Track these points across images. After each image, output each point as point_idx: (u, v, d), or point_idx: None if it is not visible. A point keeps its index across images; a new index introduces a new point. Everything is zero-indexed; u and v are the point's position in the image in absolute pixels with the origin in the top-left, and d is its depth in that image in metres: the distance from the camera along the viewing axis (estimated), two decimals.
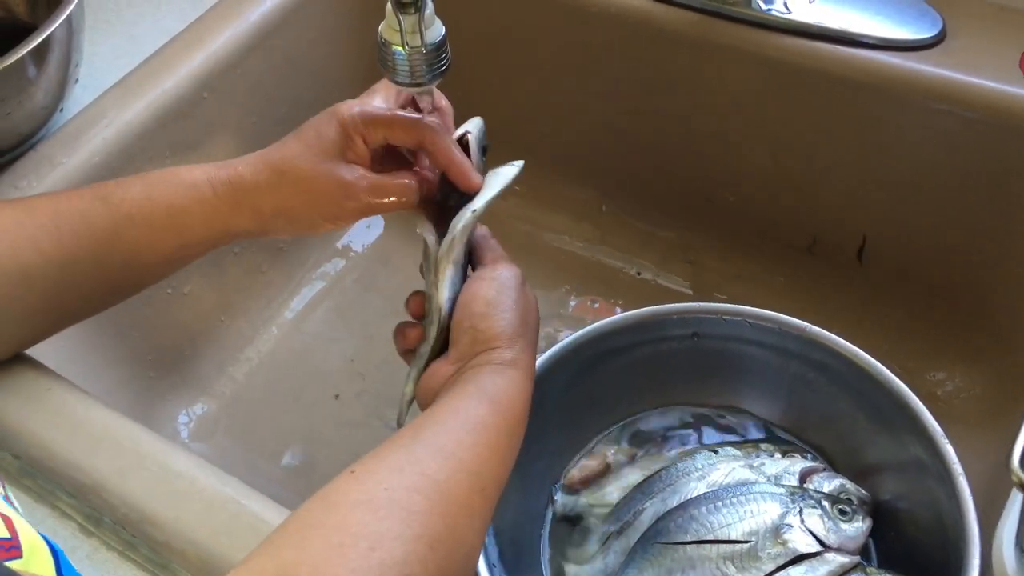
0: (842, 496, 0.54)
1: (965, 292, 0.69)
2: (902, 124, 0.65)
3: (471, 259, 0.51)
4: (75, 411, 0.48)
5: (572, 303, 0.78)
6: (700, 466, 0.58)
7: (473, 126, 0.52)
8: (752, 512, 0.53)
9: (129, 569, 0.44)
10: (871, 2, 0.66)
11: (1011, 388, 0.66)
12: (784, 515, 0.53)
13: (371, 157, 0.49)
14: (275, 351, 0.77)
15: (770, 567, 0.51)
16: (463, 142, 0.51)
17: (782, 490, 0.54)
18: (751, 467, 0.57)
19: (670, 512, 0.55)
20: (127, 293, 0.52)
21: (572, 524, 0.59)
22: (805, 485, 0.56)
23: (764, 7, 0.66)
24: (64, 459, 0.47)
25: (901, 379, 0.54)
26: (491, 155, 0.53)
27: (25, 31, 0.57)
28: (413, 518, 0.36)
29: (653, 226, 0.80)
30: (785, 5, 0.66)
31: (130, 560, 0.45)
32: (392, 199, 0.49)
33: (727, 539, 0.52)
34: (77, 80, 0.65)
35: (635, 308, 0.60)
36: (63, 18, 0.58)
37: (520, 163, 0.51)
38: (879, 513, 0.55)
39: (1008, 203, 0.64)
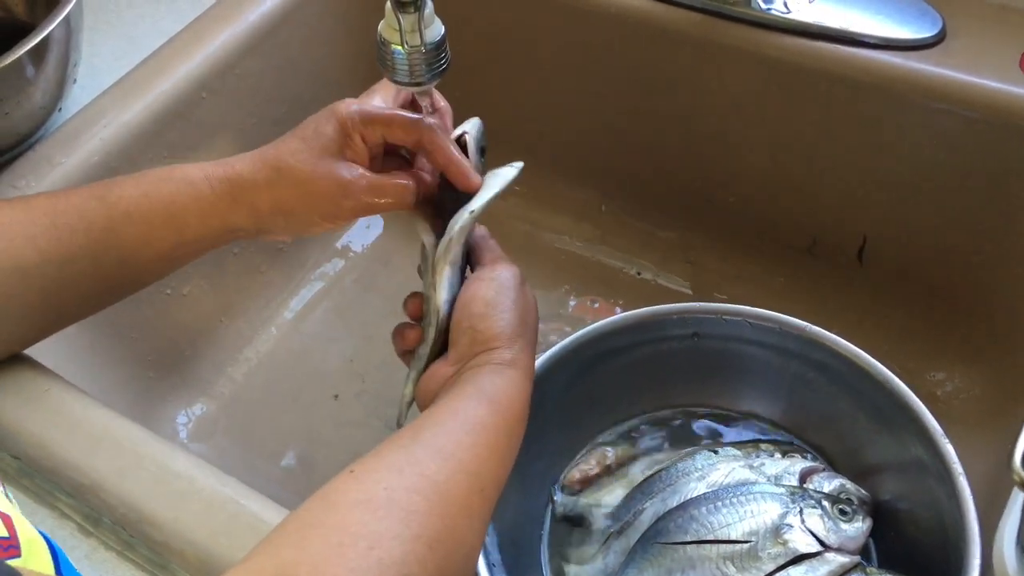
0: (842, 496, 0.54)
1: (965, 292, 0.69)
2: (902, 124, 0.65)
3: (470, 260, 0.51)
4: (74, 411, 0.48)
5: (572, 303, 0.78)
6: (700, 466, 0.58)
7: (471, 126, 0.52)
8: (752, 512, 0.53)
9: (128, 569, 0.44)
10: (871, 2, 0.66)
11: (1011, 388, 0.66)
12: (784, 515, 0.53)
13: (370, 157, 0.49)
14: (274, 351, 0.76)
15: (770, 567, 0.51)
16: (461, 142, 0.51)
17: (782, 490, 0.54)
18: (751, 467, 0.57)
19: (670, 512, 0.55)
20: (125, 292, 0.52)
21: (572, 524, 0.59)
22: (805, 485, 0.56)
23: (764, 7, 0.66)
24: (63, 459, 0.47)
25: (901, 379, 0.54)
26: (491, 155, 0.53)
27: (23, 31, 0.57)
28: (412, 518, 0.36)
29: (653, 226, 0.80)
30: (785, 5, 0.66)
31: (129, 560, 0.45)
32: (390, 199, 0.49)
33: (727, 539, 0.52)
34: (76, 80, 0.65)
35: (635, 308, 0.60)
36: (61, 18, 0.58)
37: (519, 164, 0.51)
38: (879, 513, 0.55)
39: (1008, 203, 0.64)
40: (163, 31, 0.71)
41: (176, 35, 0.70)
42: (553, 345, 0.58)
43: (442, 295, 0.49)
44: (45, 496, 0.47)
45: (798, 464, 0.57)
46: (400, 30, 0.46)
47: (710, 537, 0.53)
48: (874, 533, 0.54)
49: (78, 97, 0.66)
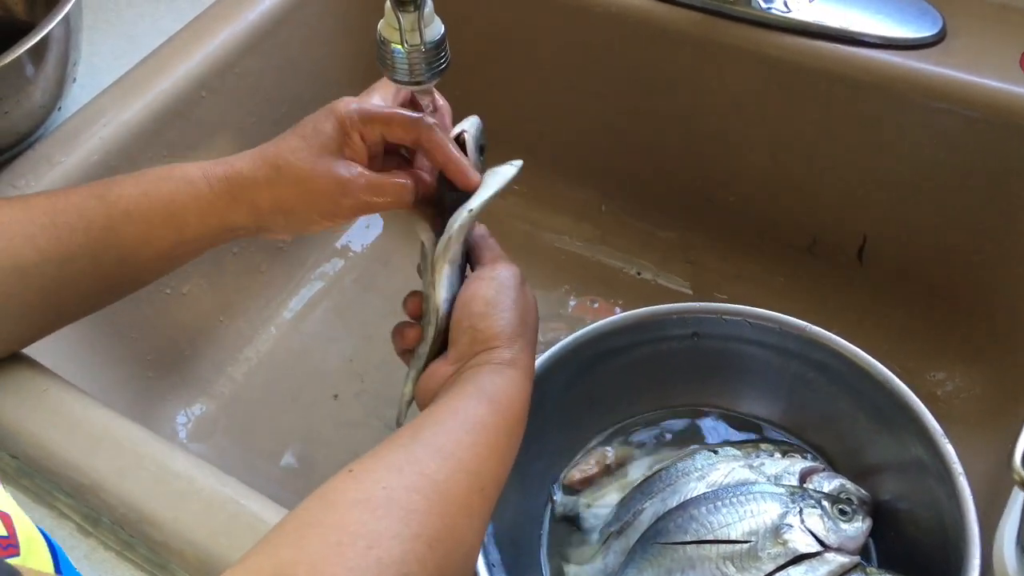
0: (842, 496, 0.54)
1: (965, 292, 0.69)
2: (902, 123, 0.65)
3: (470, 259, 0.51)
4: (73, 411, 0.48)
5: (572, 303, 0.78)
6: (700, 466, 0.58)
7: (470, 124, 0.52)
8: (752, 512, 0.53)
9: (127, 569, 0.44)
10: (871, 1, 0.66)
11: (1011, 388, 0.66)
12: (784, 515, 0.52)
13: (369, 156, 0.49)
14: (274, 351, 0.76)
15: (770, 567, 0.51)
16: (460, 141, 0.51)
17: (782, 490, 0.54)
18: (751, 467, 0.57)
19: (670, 512, 0.55)
20: (124, 291, 0.52)
21: (572, 524, 0.59)
22: (805, 485, 0.56)
23: (764, 6, 0.66)
24: (62, 459, 0.47)
25: (901, 379, 0.54)
26: (491, 155, 0.53)
27: (23, 30, 0.57)
28: (411, 517, 0.36)
29: (653, 226, 0.80)
30: (785, 4, 0.65)
31: (128, 560, 0.45)
32: (388, 198, 0.49)
33: (727, 539, 0.52)
34: (75, 79, 0.65)
35: (635, 308, 0.60)
36: (61, 17, 0.58)
37: (518, 163, 0.51)
38: (879, 513, 0.55)
39: (1008, 203, 0.64)
40: (163, 30, 0.71)
41: (176, 34, 0.70)
42: (553, 345, 0.57)
43: (441, 294, 0.49)
44: (44, 496, 0.47)
45: (798, 464, 0.57)
46: (400, 29, 0.46)
47: (710, 537, 0.53)
48: (874, 533, 0.54)
49: (78, 96, 0.66)
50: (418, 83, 0.48)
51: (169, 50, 0.69)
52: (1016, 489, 0.43)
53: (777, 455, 0.59)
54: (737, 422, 0.63)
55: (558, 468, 0.61)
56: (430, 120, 0.49)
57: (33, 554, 0.32)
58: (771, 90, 0.68)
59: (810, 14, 0.65)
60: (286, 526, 0.36)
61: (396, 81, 0.49)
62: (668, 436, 0.63)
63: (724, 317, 0.59)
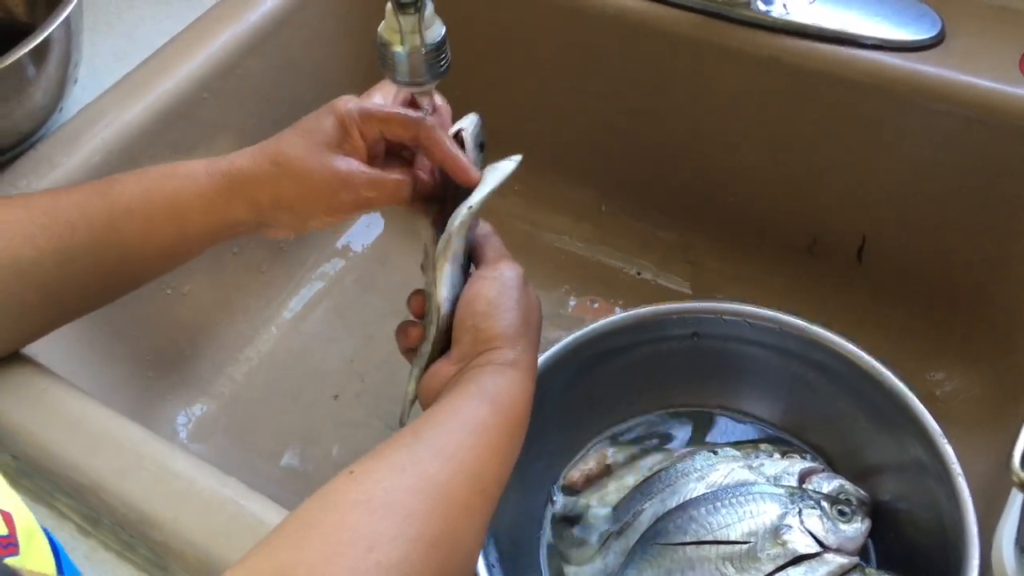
0: (841, 497, 0.54)
1: (965, 292, 0.69)
2: (901, 125, 0.65)
3: (473, 258, 0.51)
4: (73, 411, 0.48)
5: (572, 303, 0.78)
6: (699, 467, 0.58)
7: (468, 122, 0.52)
8: (751, 513, 0.53)
9: (128, 570, 0.44)
10: (870, 3, 0.66)
11: (1011, 388, 0.66)
12: (783, 516, 0.53)
13: (369, 154, 0.49)
14: (274, 351, 0.76)
15: (769, 568, 0.51)
16: (459, 139, 0.51)
17: (781, 491, 0.54)
18: (750, 468, 0.57)
19: (669, 513, 0.55)
20: (125, 288, 0.52)
21: (571, 524, 0.59)
22: (804, 486, 0.56)
23: (763, 8, 0.66)
24: (62, 459, 0.47)
25: (901, 379, 0.54)
26: (492, 155, 0.53)
27: (24, 32, 0.58)
28: (412, 519, 0.36)
29: (653, 226, 0.80)
30: (784, 6, 0.66)
31: (128, 561, 0.45)
32: (387, 193, 0.49)
33: (726, 540, 0.52)
34: (76, 80, 0.65)
35: (635, 308, 0.60)
36: (62, 18, 0.58)
37: (518, 158, 0.51)
38: (878, 514, 0.55)
39: (1008, 203, 0.64)
40: (164, 31, 0.71)
41: (177, 35, 0.70)
42: (553, 345, 0.57)
43: (442, 292, 0.49)
44: (44, 496, 0.47)
45: (797, 465, 0.57)
46: (400, 31, 0.46)
47: (709, 538, 0.53)
48: (873, 534, 0.54)
49: (79, 97, 0.66)
50: (418, 85, 0.48)
51: (170, 51, 0.69)
52: (1015, 490, 0.43)
53: (776, 456, 0.59)
54: (737, 422, 0.63)
55: (558, 468, 0.61)
56: (429, 119, 0.49)
57: (33, 553, 0.32)
58: (770, 92, 0.68)
59: (809, 16, 0.65)
60: (286, 527, 0.36)
61: (397, 83, 0.49)
62: (668, 436, 0.63)
63: (724, 317, 0.59)
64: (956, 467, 0.50)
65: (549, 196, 0.82)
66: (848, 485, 0.56)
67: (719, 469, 0.57)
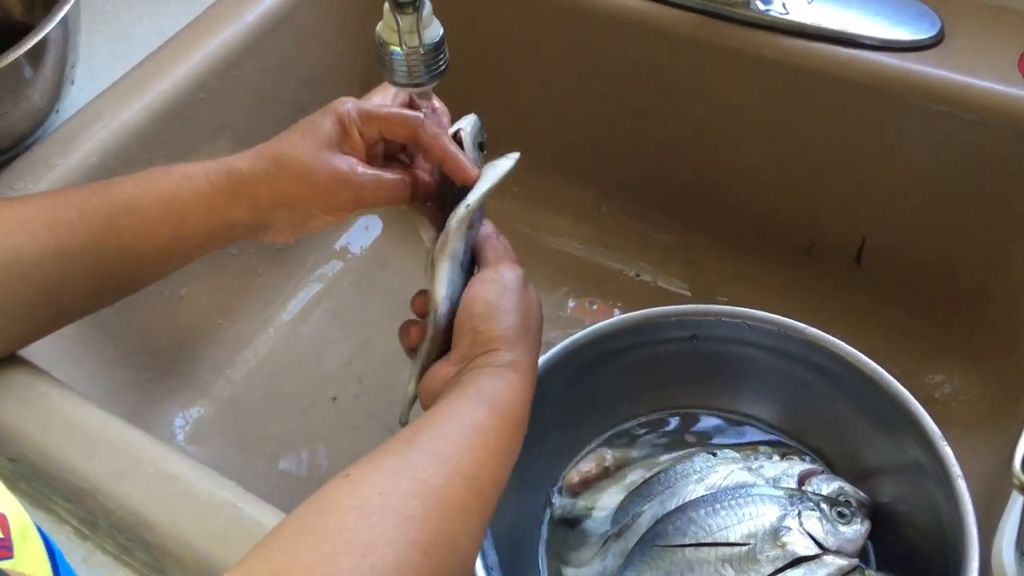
0: (841, 499, 0.54)
1: (964, 293, 0.69)
2: (901, 125, 0.65)
3: (475, 259, 0.51)
4: (71, 414, 0.48)
5: (571, 305, 0.78)
6: (698, 468, 0.58)
7: (467, 122, 0.52)
8: (750, 515, 0.53)
9: (125, 573, 0.44)
10: (869, 3, 0.66)
11: (1010, 390, 0.66)
12: (783, 518, 0.52)
13: (368, 155, 0.49)
14: (272, 353, 0.76)
15: (768, 570, 0.51)
16: (457, 139, 0.51)
17: (781, 493, 0.54)
18: (750, 469, 0.57)
19: (668, 515, 0.55)
20: (124, 290, 0.52)
21: (570, 527, 0.59)
22: (804, 487, 0.56)
23: (762, 8, 0.65)
24: (59, 462, 0.46)
25: (900, 381, 0.54)
26: (491, 155, 0.53)
27: (21, 32, 0.57)
28: (408, 523, 0.36)
29: (652, 228, 0.80)
30: (783, 6, 0.65)
31: (126, 564, 0.45)
32: (386, 192, 0.49)
33: (725, 542, 0.52)
34: (73, 81, 0.65)
35: (634, 310, 0.60)
36: (59, 19, 0.58)
37: (516, 155, 0.51)
38: (878, 516, 0.55)
39: (1007, 204, 0.64)
40: (161, 32, 0.71)
41: (174, 36, 0.70)
42: (552, 347, 0.57)
43: (440, 291, 0.49)
44: (42, 499, 0.47)
45: (797, 466, 0.57)
46: (399, 31, 0.46)
47: (708, 540, 0.53)
48: (872, 536, 0.54)
49: (76, 98, 0.66)
50: (417, 85, 0.48)
51: (168, 52, 0.69)
52: (1015, 492, 0.43)
53: (776, 457, 0.59)
54: (736, 424, 0.62)
55: (557, 470, 0.61)
56: (428, 119, 0.49)
57: (28, 556, 0.32)
58: (770, 92, 0.68)
59: (808, 16, 0.65)
60: (282, 531, 0.35)
61: (395, 83, 0.49)
62: (667, 438, 0.63)
63: (723, 319, 0.59)
64: (956, 469, 0.49)
65: (548, 197, 0.82)
66: (847, 487, 0.55)
67: (718, 471, 0.57)
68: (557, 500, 0.60)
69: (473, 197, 0.49)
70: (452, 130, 0.51)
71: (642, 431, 0.63)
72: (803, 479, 0.56)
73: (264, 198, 0.48)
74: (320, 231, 0.51)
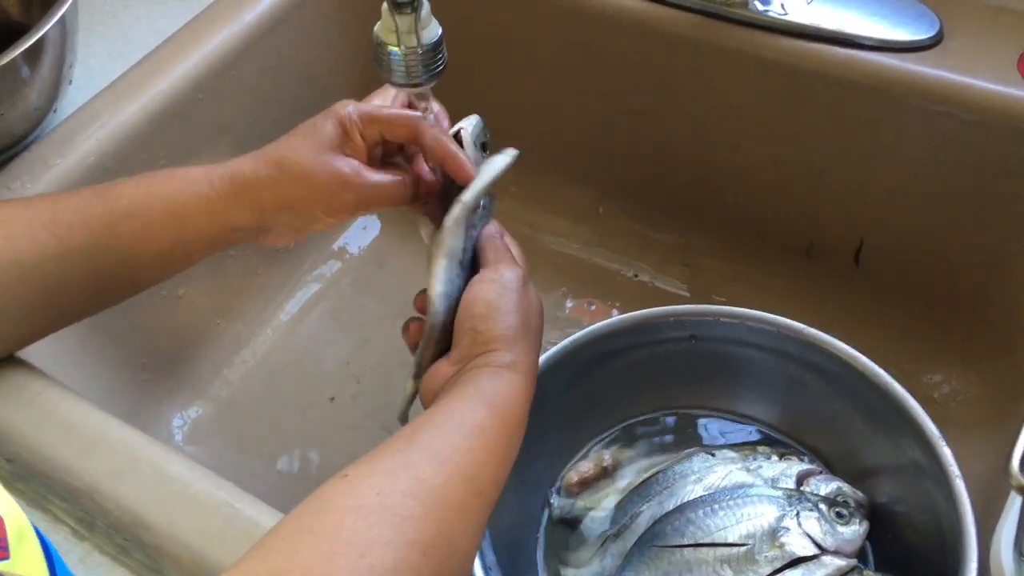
0: (839, 499, 0.54)
1: (963, 294, 0.69)
2: (900, 125, 0.65)
3: (476, 260, 0.51)
4: (68, 414, 0.48)
5: (569, 305, 0.78)
6: (697, 469, 0.58)
7: (468, 122, 0.52)
8: (749, 515, 0.53)
9: (122, 573, 0.44)
10: (868, 3, 0.66)
11: (1009, 390, 0.66)
12: (781, 518, 0.52)
13: (369, 157, 0.50)
14: (270, 354, 0.76)
15: (767, 570, 0.51)
16: (458, 138, 0.51)
17: (779, 493, 0.54)
18: (748, 470, 0.57)
19: (667, 515, 0.55)
20: (123, 293, 0.52)
21: (568, 527, 0.59)
22: (802, 488, 0.56)
23: (761, 8, 0.65)
24: (57, 463, 0.46)
25: (898, 381, 0.54)
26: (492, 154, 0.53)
27: (18, 32, 0.57)
28: (406, 524, 0.36)
29: (651, 228, 0.80)
30: (782, 6, 0.65)
31: (123, 565, 0.44)
32: (389, 192, 0.49)
33: (724, 542, 0.52)
34: (71, 81, 0.65)
35: (632, 310, 0.60)
36: (56, 19, 0.58)
37: (513, 152, 0.51)
38: (876, 516, 0.55)
39: (1006, 204, 0.64)
40: (159, 32, 0.71)
41: (172, 36, 0.70)
42: (550, 347, 0.57)
43: (436, 287, 0.49)
44: (39, 500, 0.47)
45: (795, 467, 0.57)
46: (397, 31, 0.46)
47: (707, 540, 0.52)
48: (871, 536, 0.54)
49: (73, 98, 0.66)
50: (415, 85, 0.48)
51: (166, 51, 0.69)
52: (1013, 493, 0.43)
53: (774, 458, 0.59)
54: (734, 424, 0.62)
55: (556, 470, 0.61)
56: (428, 118, 0.49)
57: (24, 556, 0.31)
58: (768, 92, 0.68)
59: (807, 16, 0.65)
60: (280, 531, 0.35)
61: (393, 83, 0.49)
62: (665, 438, 0.63)
63: (721, 319, 0.59)
64: (954, 469, 0.49)
65: (547, 198, 0.82)
66: (846, 487, 0.55)
67: (717, 471, 0.57)
68: (556, 500, 0.60)
69: (468, 195, 0.49)
70: (453, 130, 0.51)
71: (641, 431, 0.63)
72: (801, 479, 0.56)
73: (267, 201, 0.48)
74: (323, 231, 0.52)
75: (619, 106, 0.76)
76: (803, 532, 0.52)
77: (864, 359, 0.55)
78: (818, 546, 0.52)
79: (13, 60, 0.56)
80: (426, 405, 0.48)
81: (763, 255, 0.76)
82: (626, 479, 0.60)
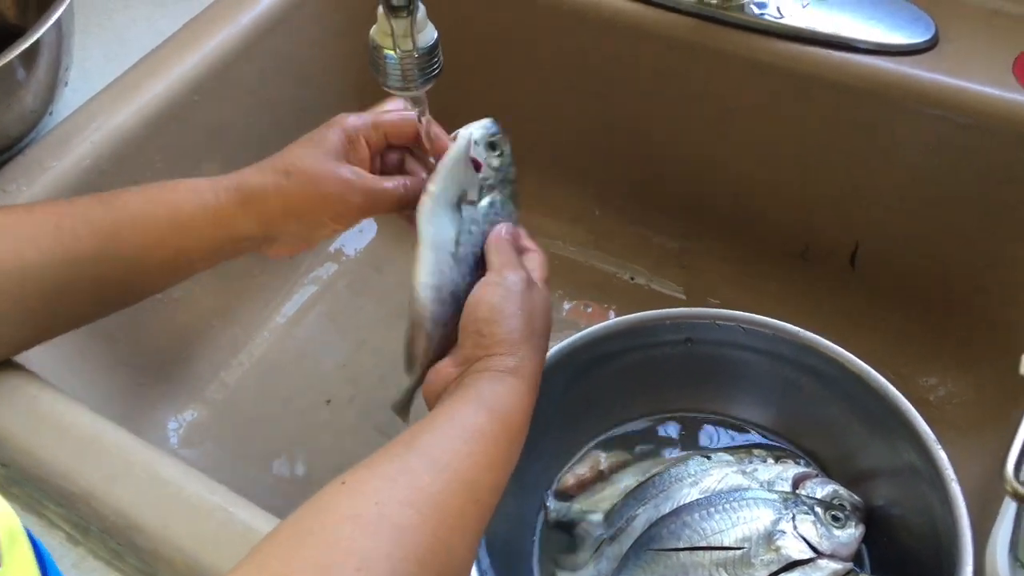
0: (835, 502, 0.54)
1: (958, 297, 0.69)
2: (895, 129, 0.65)
3: (483, 263, 0.51)
4: (63, 418, 0.48)
5: (565, 307, 0.78)
6: (693, 472, 0.58)
7: (477, 124, 0.52)
8: (745, 518, 0.53)
9: None
10: (864, 7, 0.66)
11: (1004, 393, 0.66)
12: (777, 521, 0.52)
13: (372, 167, 0.51)
14: (267, 356, 0.76)
15: (763, 574, 0.51)
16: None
17: (775, 496, 0.54)
18: (744, 473, 0.57)
19: (663, 518, 0.55)
20: (125, 301, 0.52)
21: (565, 531, 0.59)
22: (798, 491, 0.56)
23: (757, 12, 0.66)
24: (51, 467, 0.46)
25: (894, 384, 0.54)
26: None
27: (14, 34, 0.57)
28: (404, 534, 0.36)
29: (647, 231, 0.80)
30: (778, 10, 0.66)
31: (118, 570, 0.44)
32: (395, 197, 0.50)
33: (720, 546, 0.52)
34: (67, 83, 0.65)
35: (628, 313, 0.60)
36: (52, 21, 0.58)
37: (468, 132, 0.50)
38: (872, 519, 0.55)
39: (1000, 208, 0.64)
40: (157, 33, 0.71)
41: (169, 37, 0.70)
42: (547, 350, 0.57)
43: (417, 278, 0.49)
44: (33, 504, 0.47)
45: (791, 470, 0.57)
46: (392, 35, 0.46)
47: (703, 543, 0.52)
48: (867, 539, 0.54)
49: (69, 100, 0.66)
50: (410, 89, 0.48)
51: (162, 53, 0.69)
52: (1008, 497, 0.43)
53: (770, 461, 0.59)
54: (730, 427, 0.62)
55: (551, 473, 0.61)
56: (428, 118, 0.50)
57: (16, 561, 0.31)
58: (764, 95, 0.68)
59: (803, 20, 0.65)
60: (278, 537, 0.35)
61: (388, 87, 0.49)
62: (662, 441, 0.63)
63: (717, 322, 0.59)
64: (950, 472, 0.50)
65: (543, 200, 0.82)
66: (842, 490, 0.55)
67: (713, 474, 0.57)
68: (551, 504, 0.60)
69: (431, 184, 0.49)
70: (464, 130, 0.52)
71: (637, 434, 0.63)
72: (797, 482, 0.56)
73: (274, 210, 0.49)
74: (328, 238, 0.52)
75: (615, 109, 0.76)
76: (799, 535, 0.52)
77: (860, 362, 0.55)
78: (814, 549, 0.52)
79: (9, 63, 0.56)
80: (430, 404, 0.48)
81: (759, 258, 0.76)
82: (622, 482, 0.60)
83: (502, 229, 0.51)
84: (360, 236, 0.84)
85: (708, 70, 0.69)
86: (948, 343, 0.70)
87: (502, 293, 0.47)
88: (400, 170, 0.53)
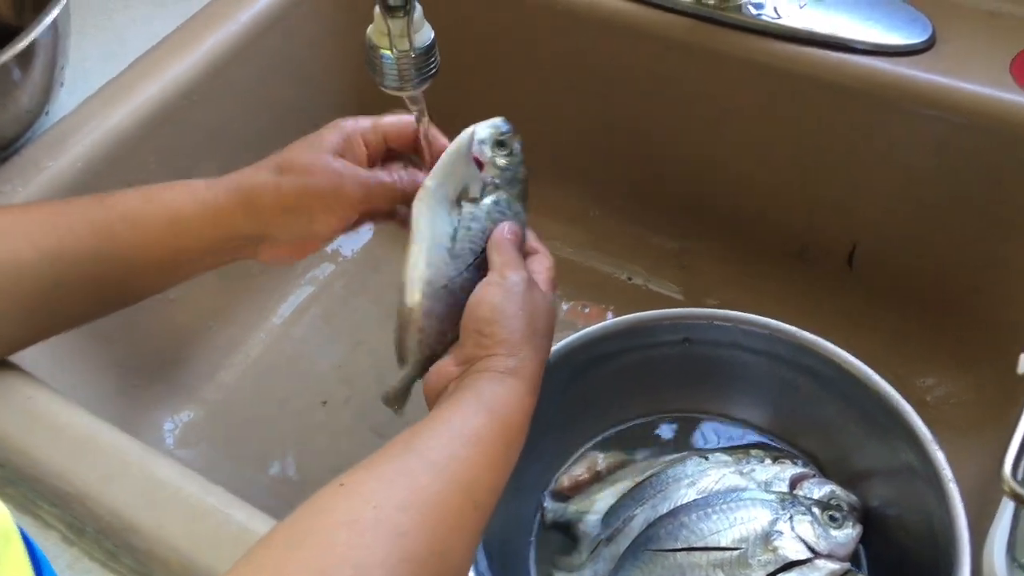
0: (832, 502, 0.54)
1: (955, 297, 0.69)
2: (892, 129, 0.65)
3: (486, 263, 0.51)
4: (58, 418, 0.48)
5: (563, 308, 0.78)
6: (690, 472, 0.58)
7: (485, 123, 0.52)
8: (742, 519, 0.53)
9: None
10: (861, 8, 0.66)
11: (1001, 393, 0.66)
12: (774, 522, 0.52)
13: (370, 164, 0.51)
14: (263, 357, 0.76)
15: (760, 574, 0.51)
16: None
17: (772, 497, 0.54)
18: (741, 473, 0.57)
19: (660, 519, 0.55)
20: (122, 301, 0.52)
21: (561, 531, 0.59)
22: (795, 491, 0.56)
23: (754, 12, 0.66)
24: (47, 467, 0.46)
25: (892, 384, 0.54)
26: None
27: (10, 34, 0.57)
28: (401, 539, 0.35)
29: (644, 231, 0.80)
30: (775, 10, 0.66)
31: (112, 570, 0.44)
32: (387, 188, 0.50)
33: (717, 546, 0.52)
34: (63, 84, 0.65)
35: (626, 313, 0.60)
36: (48, 21, 0.58)
37: (470, 130, 0.50)
38: (869, 519, 0.55)
39: (998, 208, 0.64)
40: (155, 34, 0.70)
41: (165, 38, 0.70)
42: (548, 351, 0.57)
43: (407, 272, 0.49)
44: (28, 505, 0.46)
45: (788, 470, 0.57)
46: (389, 34, 0.46)
47: (700, 544, 0.52)
48: (864, 539, 0.54)
49: (65, 101, 0.66)
50: (407, 89, 0.48)
51: (158, 54, 0.69)
52: (1006, 497, 0.43)
53: (768, 461, 0.59)
54: (728, 428, 0.62)
55: (549, 474, 0.61)
56: (427, 119, 0.50)
57: (9, 563, 0.31)
58: (761, 96, 0.68)
59: (800, 21, 0.65)
60: (273, 541, 0.35)
61: (385, 87, 0.49)
62: (659, 442, 0.63)
63: (715, 323, 0.59)
64: (947, 472, 0.50)
65: (540, 200, 0.82)
66: (839, 491, 0.55)
67: (710, 475, 0.57)
68: (548, 504, 0.60)
69: (428, 179, 0.49)
70: (469, 130, 0.52)
71: (634, 435, 0.63)
72: (795, 483, 0.56)
73: (269, 205, 0.49)
74: (323, 242, 0.52)
75: (614, 109, 0.76)
76: (796, 536, 0.52)
77: (857, 362, 0.55)
78: (811, 550, 0.52)
79: (4, 63, 0.56)
80: (430, 403, 0.48)
81: (757, 258, 0.76)
82: (619, 483, 0.60)
83: (504, 228, 0.51)
84: (357, 236, 0.84)
85: (705, 70, 0.69)
86: (946, 343, 0.70)
87: (503, 293, 0.47)
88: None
